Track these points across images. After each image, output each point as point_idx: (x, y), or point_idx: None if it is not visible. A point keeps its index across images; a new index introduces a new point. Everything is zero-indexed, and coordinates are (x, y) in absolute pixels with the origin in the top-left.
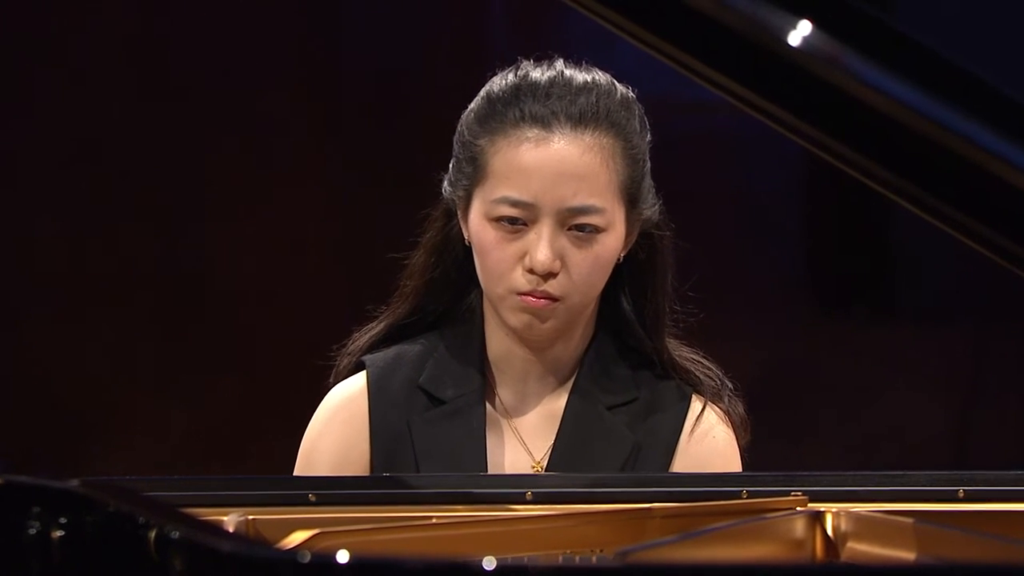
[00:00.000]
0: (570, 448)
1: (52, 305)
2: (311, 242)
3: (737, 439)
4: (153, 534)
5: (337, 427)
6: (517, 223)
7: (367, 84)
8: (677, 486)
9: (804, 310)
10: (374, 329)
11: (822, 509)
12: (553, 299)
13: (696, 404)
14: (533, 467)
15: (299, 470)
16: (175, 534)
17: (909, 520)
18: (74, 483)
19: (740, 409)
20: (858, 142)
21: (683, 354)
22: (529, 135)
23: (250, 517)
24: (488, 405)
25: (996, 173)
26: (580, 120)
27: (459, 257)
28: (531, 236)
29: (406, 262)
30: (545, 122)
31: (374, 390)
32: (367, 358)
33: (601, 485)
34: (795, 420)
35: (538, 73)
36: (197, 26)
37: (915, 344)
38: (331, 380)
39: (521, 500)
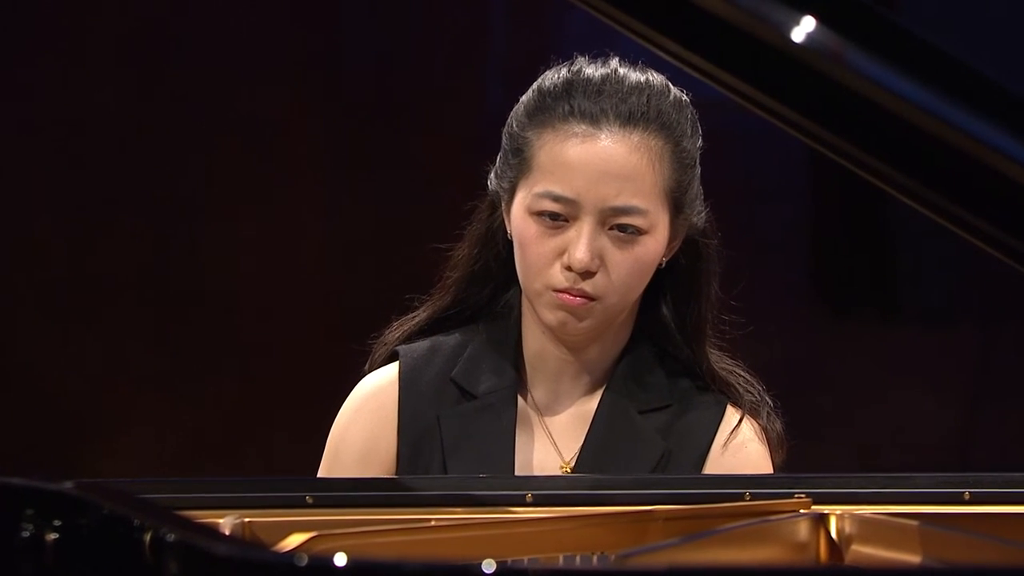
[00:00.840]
0: (600, 450)
1: (47, 305)
2: (309, 242)
3: (772, 456)
4: (148, 537)
5: (366, 416)
6: (558, 219)
7: (366, 83)
8: (679, 488)
9: (808, 311)
10: (413, 319)
11: (826, 511)
12: (590, 298)
13: (731, 415)
14: (562, 467)
15: (327, 459)
16: (170, 537)
17: (914, 523)
18: (68, 485)
19: (778, 426)
20: (861, 139)
21: (724, 365)
22: (577, 131)
23: (246, 519)
24: (520, 403)
25: (1001, 170)
26: (629, 119)
27: (501, 251)
28: (571, 233)
29: (449, 253)
30: (594, 119)
31: (405, 381)
32: (401, 348)
33: (602, 487)
34: (799, 421)
35: (591, 70)
36: (195, 25)
37: (920, 345)
38: (365, 369)
39: (521, 502)
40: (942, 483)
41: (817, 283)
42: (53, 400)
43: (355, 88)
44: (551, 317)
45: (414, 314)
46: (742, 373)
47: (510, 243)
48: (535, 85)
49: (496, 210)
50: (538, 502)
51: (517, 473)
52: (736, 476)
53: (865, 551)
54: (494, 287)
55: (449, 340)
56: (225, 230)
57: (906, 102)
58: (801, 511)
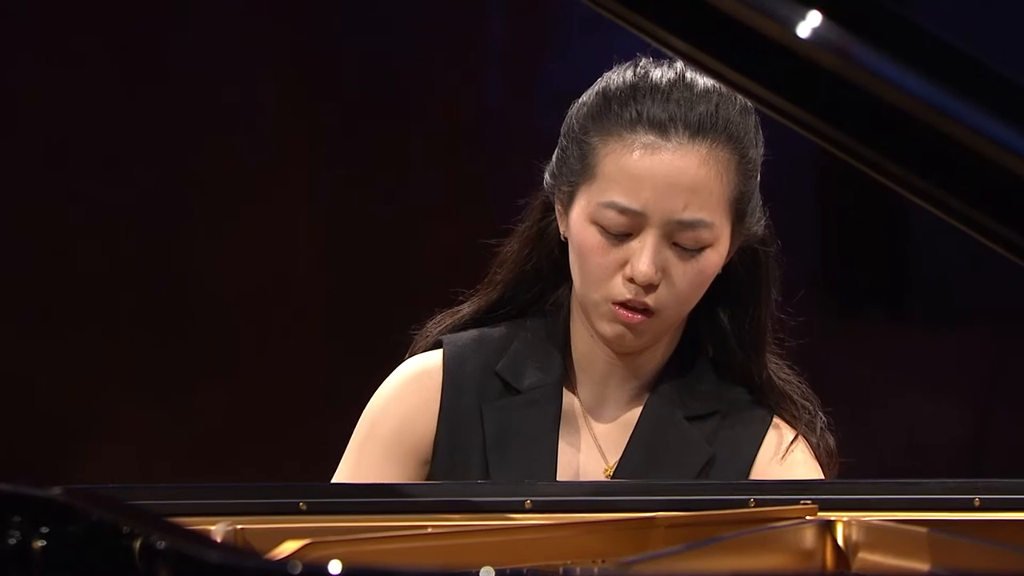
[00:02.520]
0: (644, 453)
1: (33, 309)
2: (303, 244)
3: (823, 473)
4: (138, 544)
5: (409, 396)
6: (622, 230)
7: (361, 83)
8: (682, 494)
9: (816, 312)
10: (458, 313)
11: (832, 518)
12: (648, 313)
13: (777, 426)
14: (605, 470)
15: (360, 434)
16: (161, 544)
17: (923, 529)
18: (56, 491)
19: (831, 443)
20: (869, 137)
21: (783, 375)
22: (644, 140)
23: (239, 526)
24: (564, 401)
25: (1016, 170)
26: (699, 130)
27: (553, 252)
28: (635, 244)
29: (497, 249)
30: (662, 128)
31: (449, 368)
32: (446, 337)
33: (603, 493)
34: None
35: (658, 74)
36: (185, 21)
37: (930, 348)
38: (406, 357)
39: (520, 509)
40: (952, 489)
41: (826, 284)
42: (38, 406)
43: (348, 87)
44: (607, 329)
45: (458, 308)
46: (799, 384)
47: (563, 244)
48: (598, 87)
49: (550, 211)
50: (537, 509)
51: (560, 474)
52: (740, 482)
53: (873, 559)
54: (543, 286)
55: (495, 333)
56: (215, 232)
57: (916, 99)
58: (807, 518)
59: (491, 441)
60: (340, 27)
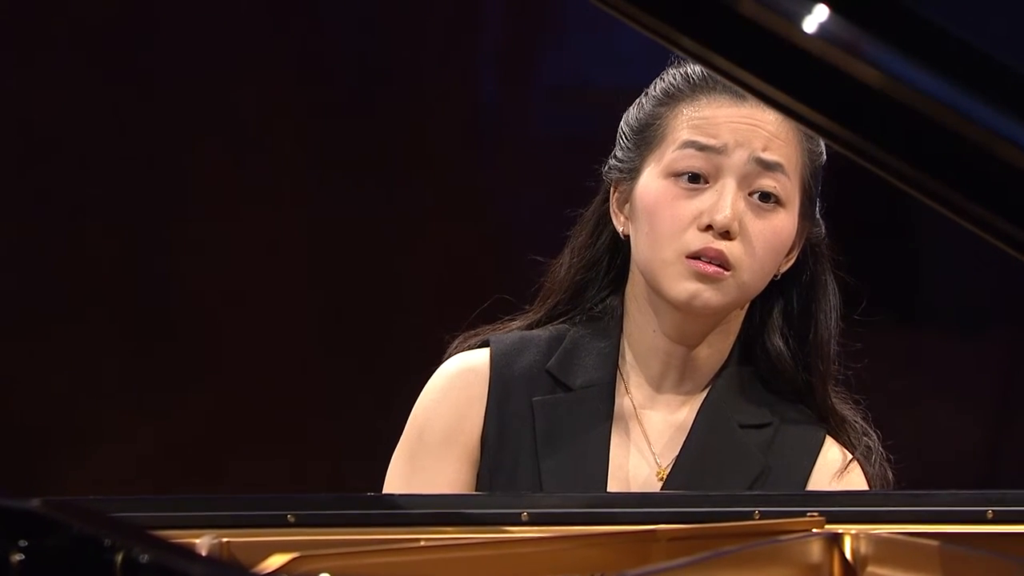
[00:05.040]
0: (698, 459)
1: (10, 315)
2: (288, 247)
3: None
4: (120, 558)
5: (456, 393)
6: (698, 181)
7: (350, 81)
8: (684, 506)
9: None
10: (505, 328)
11: (840, 531)
12: (725, 267)
13: (834, 446)
14: (658, 474)
15: (409, 439)
16: (144, 558)
17: (934, 543)
18: (35, 503)
19: (890, 476)
20: (878, 135)
21: (845, 407)
22: (722, 99)
23: (224, 539)
24: (617, 402)
25: None
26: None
27: (612, 244)
28: (709, 195)
29: (545, 266)
30: (739, 93)
31: (497, 364)
32: (492, 336)
33: (602, 505)
34: None
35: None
36: (169, 20)
37: (943, 352)
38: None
39: (516, 521)
40: (964, 500)
41: (843, 300)
42: (16, 415)
43: (335, 89)
44: (681, 288)
45: (507, 321)
46: (854, 412)
47: (619, 243)
48: (650, 90)
49: (602, 223)
50: (534, 521)
51: (611, 475)
52: (744, 493)
53: (882, 573)
54: (598, 286)
55: (542, 333)
56: (199, 235)
57: (928, 97)
58: (814, 530)
59: (542, 439)
60: (328, 24)
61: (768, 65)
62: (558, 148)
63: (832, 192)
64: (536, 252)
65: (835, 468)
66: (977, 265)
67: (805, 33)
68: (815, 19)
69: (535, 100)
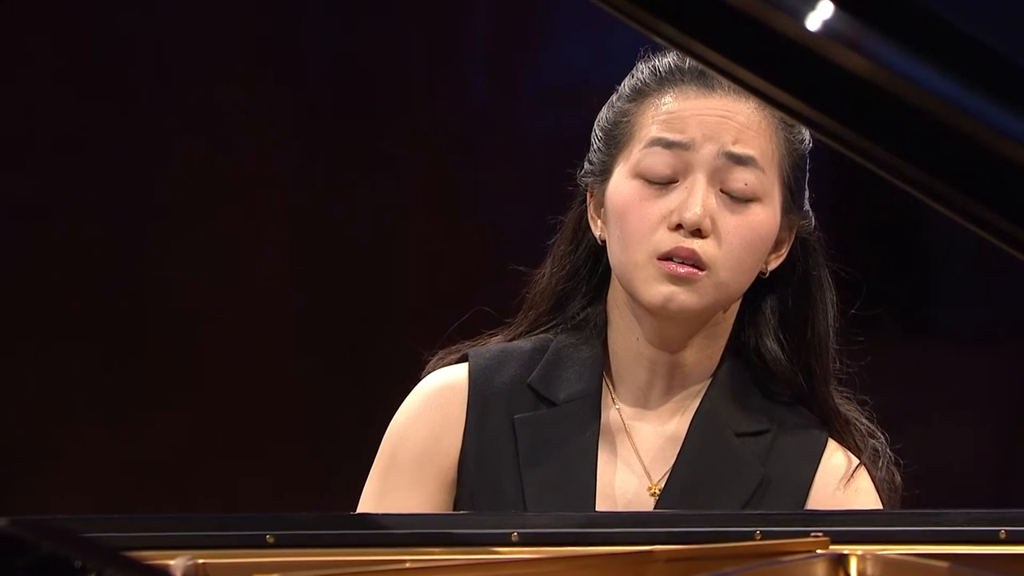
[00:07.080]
0: (693, 472)
1: None
2: (271, 253)
3: (884, 504)
4: None
5: (432, 412)
6: (665, 179)
7: (336, 82)
8: (681, 526)
9: None
10: (484, 344)
11: (846, 552)
12: (699, 267)
13: (837, 449)
14: (650, 489)
15: (382, 460)
16: None
17: (944, 564)
18: (2, 522)
19: (897, 479)
20: (884, 137)
21: (848, 408)
22: (689, 91)
23: (200, 560)
24: (603, 415)
25: None
26: (742, 94)
27: (590, 251)
28: (679, 193)
29: (528, 277)
30: (707, 83)
31: (475, 380)
32: (471, 351)
33: (596, 525)
34: None
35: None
36: (149, 21)
37: (954, 367)
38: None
39: (506, 541)
40: (975, 520)
41: (839, 295)
42: None
43: (318, 91)
44: (655, 292)
45: (488, 336)
46: (862, 413)
47: (598, 250)
48: (622, 86)
49: (580, 233)
50: (525, 541)
51: (600, 493)
52: (745, 512)
53: None
54: (580, 295)
55: (524, 344)
56: (178, 241)
57: (933, 95)
58: (818, 551)
59: (525, 457)
60: (313, 23)
61: (767, 63)
62: (550, 149)
63: (840, 200)
64: (528, 258)
65: (839, 474)
66: (986, 273)
67: (807, 29)
68: (819, 16)
69: (524, 101)
